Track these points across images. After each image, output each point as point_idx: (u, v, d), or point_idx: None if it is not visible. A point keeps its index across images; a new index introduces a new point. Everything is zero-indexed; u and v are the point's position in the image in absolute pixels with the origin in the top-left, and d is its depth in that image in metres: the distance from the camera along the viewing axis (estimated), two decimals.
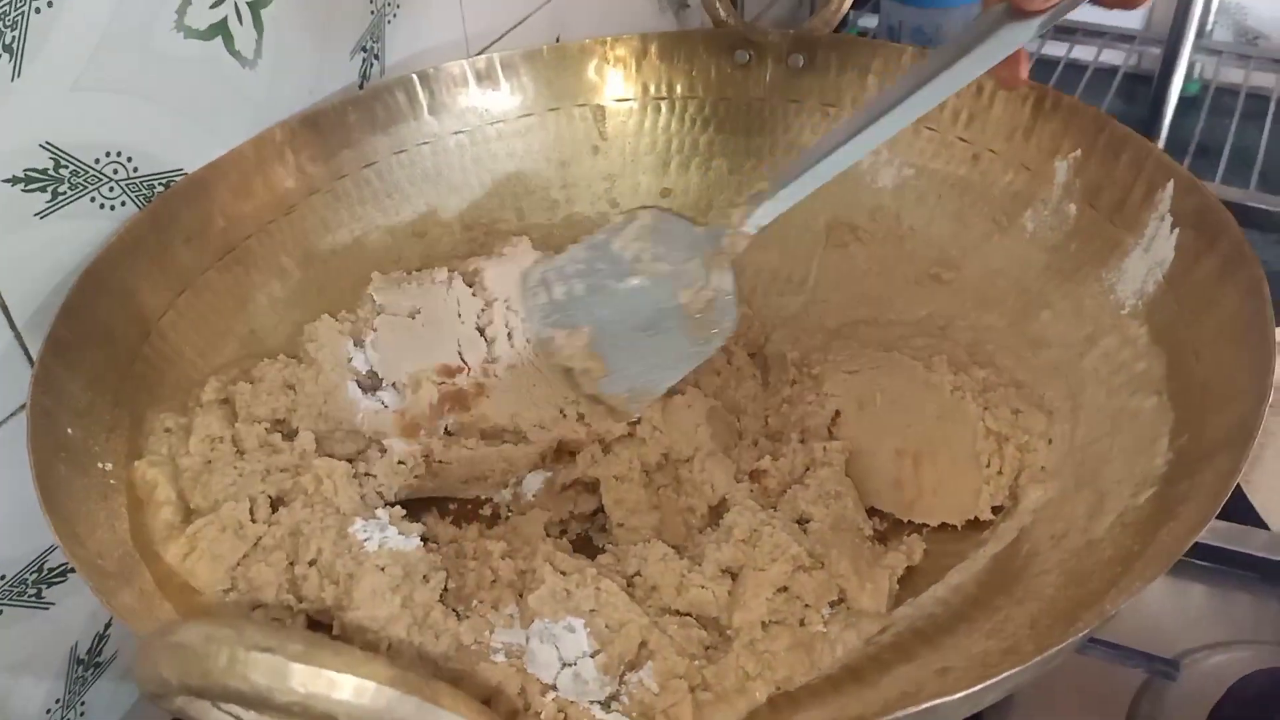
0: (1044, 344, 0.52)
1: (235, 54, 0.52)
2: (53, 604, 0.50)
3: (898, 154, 0.61)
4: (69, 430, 0.42)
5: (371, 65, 0.63)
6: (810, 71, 0.64)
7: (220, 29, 0.51)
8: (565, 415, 0.54)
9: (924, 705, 0.30)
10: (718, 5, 0.65)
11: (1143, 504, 0.40)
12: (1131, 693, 0.52)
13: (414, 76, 0.61)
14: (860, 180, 0.62)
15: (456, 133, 0.63)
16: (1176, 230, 0.48)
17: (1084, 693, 0.52)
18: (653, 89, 0.66)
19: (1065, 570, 0.41)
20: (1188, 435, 0.41)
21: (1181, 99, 0.98)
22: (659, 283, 0.53)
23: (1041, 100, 0.55)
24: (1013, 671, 0.31)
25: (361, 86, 0.62)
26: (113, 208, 0.49)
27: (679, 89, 0.66)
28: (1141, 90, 1.07)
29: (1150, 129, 0.97)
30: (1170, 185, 0.49)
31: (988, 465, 0.47)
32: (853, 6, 0.76)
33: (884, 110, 0.45)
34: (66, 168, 0.46)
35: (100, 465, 0.43)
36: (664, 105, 0.67)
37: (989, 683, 0.31)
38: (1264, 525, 0.58)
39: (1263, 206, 0.89)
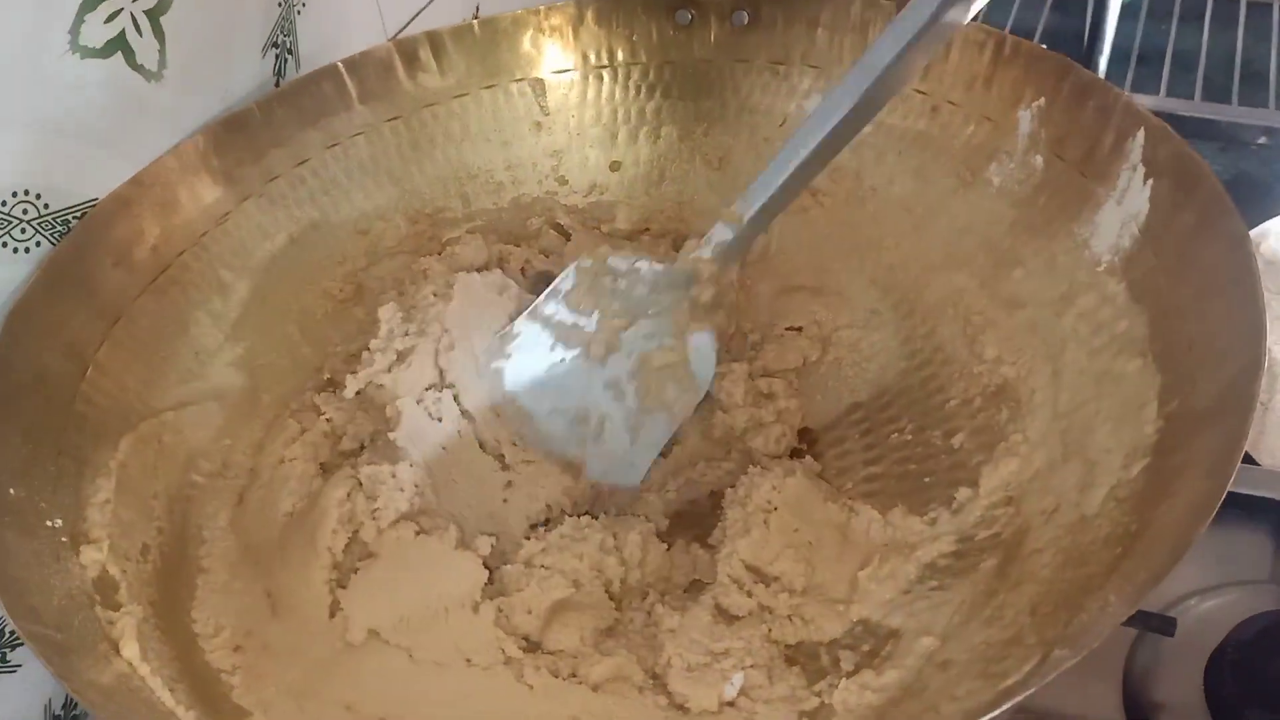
0: (1018, 303, 0.51)
1: (138, 68, 0.49)
2: (20, 665, 0.48)
3: None
4: (10, 491, 0.39)
5: (285, 61, 0.59)
6: (756, 28, 0.61)
7: (118, 44, 0.47)
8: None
9: None
10: None
11: (1136, 476, 0.39)
12: (1127, 645, 0.52)
13: (339, 65, 0.58)
14: None
15: (390, 119, 0.60)
16: (1150, 181, 0.46)
17: None
18: (593, 57, 0.63)
19: (1061, 549, 0.40)
20: (1177, 400, 0.40)
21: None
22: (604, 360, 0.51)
23: (1000, 47, 0.53)
24: (1027, 693, 0.31)
25: (278, 84, 0.58)
26: (28, 249, 0.46)
27: (620, 55, 0.63)
28: (1075, 2, 1.05)
29: (1093, 41, 0.95)
30: (1140, 134, 0.47)
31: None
32: None
33: (836, 121, 0.45)
34: None
35: (49, 523, 0.41)
36: (606, 74, 0.64)
37: (1005, 707, 0.30)
38: (1254, 462, 0.57)
39: (1209, 117, 0.89)
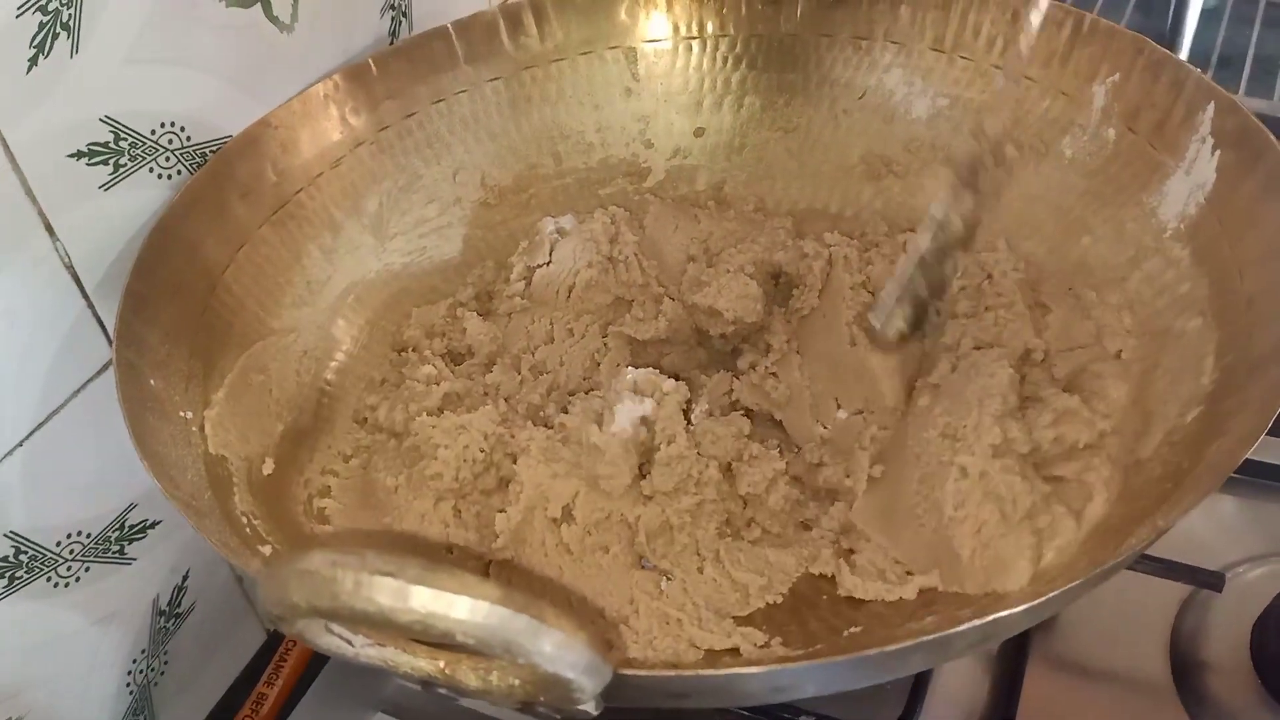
0: (1085, 269, 0.53)
1: (274, 19, 0.53)
2: (134, 559, 0.52)
3: (931, 84, 0.61)
4: (151, 382, 0.44)
5: (400, 22, 0.63)
6: (842, 4, 0.64)
7: None
8: None
9: (988, 619, 0.32)
10: None
11: (1190, 423, 0.42)
12: (1175, 607, 0.54)
13: (449, 26, 0.62)
14: (894, 112, 0.63)
15: (492, 79, 0.64)
16: (1218, 152, 0.48)
17: (1127, 608, 0.54)
18: (684, 29, 0.67)
19: (1112, 489, 0.42)
20: (1233, 354, 0.42)
21: (1202, 11, 0.97)
22: None
23: (1079, 25, 0.55)
24: (1070, 586, 0.33)
25: (391, 43, 0.63)
26: (169, 177, 0.50)
27: (710, 27, 0.67)
28: (1158, 3, 1.06)
29: (1173, 41, 0.97)
30: (1210, 107, 0.49)
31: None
32: None
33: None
34: (126, 140, 0.47)
35: (181, 414, 0.45)
36: (695, 45, 0.67)
37: (1047, 597, 0.32)
38: None
39: None
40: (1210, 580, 0.50)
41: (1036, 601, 0.32)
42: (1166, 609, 0.54)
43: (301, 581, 0.25)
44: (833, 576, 0.46)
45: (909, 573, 0.45)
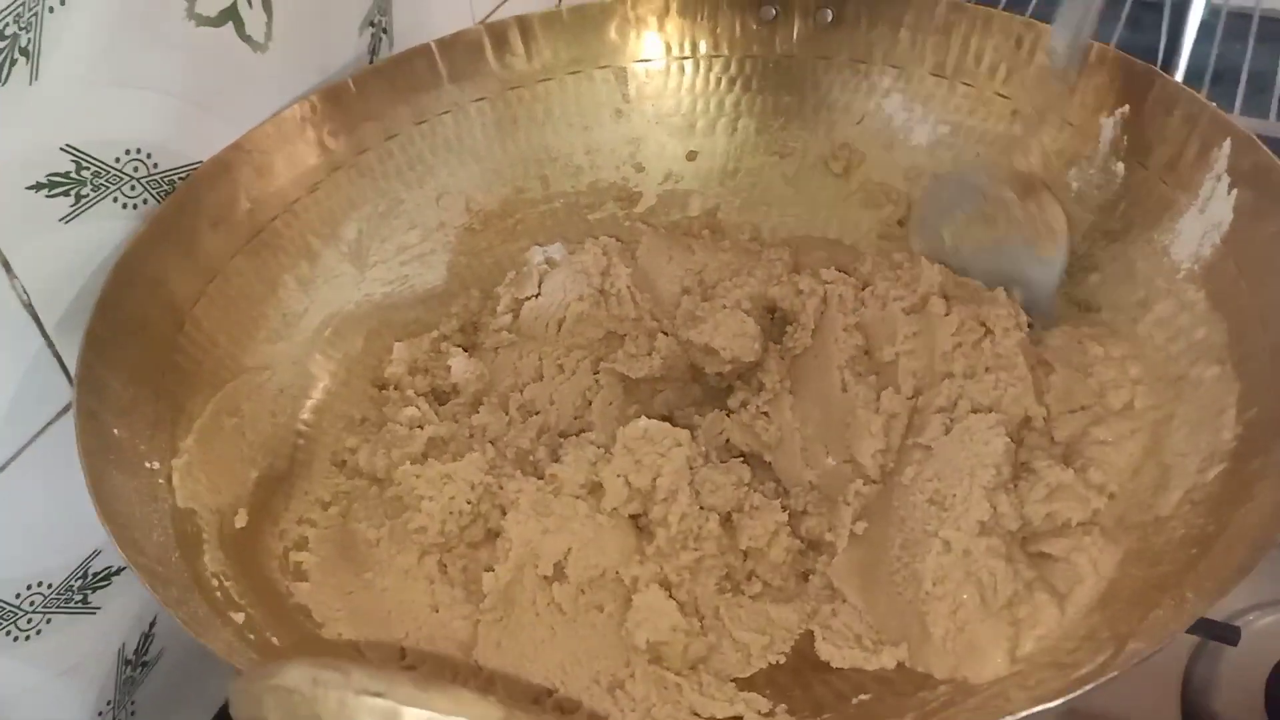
0: (1093, 308, 0.51)
1: (246, 39, 0.50)
2: (99, 608, 0.50)
3: (932, 111, 0.60)
4: (115, 431, 0.41)
5: (380, 39, 0.61)
6: (839, 26, 0.62)
7: (230, 14, 0.49)
8: None
9: (1022, 714, 0.30)
10: None
11: (1211, 481, 0.40)
12: (1186, 655, 0.52)
13: (432, 45, 0.59)
14: (894, 139, 0.61)
15: (477, 100, 0.62)
16: (1234, 191, 0.47)
17: None
18: (676, 48, 0.64)
19: (1131, 549, 0.41)
20: (1257, 408, 0.40)
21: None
22: None
23: (1086, 54, 0.54)
24: (1102, 679, 0.31)
25: (371, 61, 0.60)
26: (135, 206, 0.47)
27: (703, 48, 0.64)
28: (1149, 18, 1.05)
29: (1168, 60, 0.95)
30: (1227, 144, 0.47)
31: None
32: None
33: None
34: (88, 169, 0.44)
35: (147, 464, 0.42)
36: (688, 65, 0.65)
37: (1080, 692, 0.31)
38: None
39: None
40: (1225, 634, 0.48)
41: (1071, 695, 0.30)
42: (1177, 658, 0.53)
43: (278, 699, 0.22)
44: None
45: (881, 641, 0.43)
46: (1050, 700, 0.31)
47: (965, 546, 0.41)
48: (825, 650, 0.43)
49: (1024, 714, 0.30)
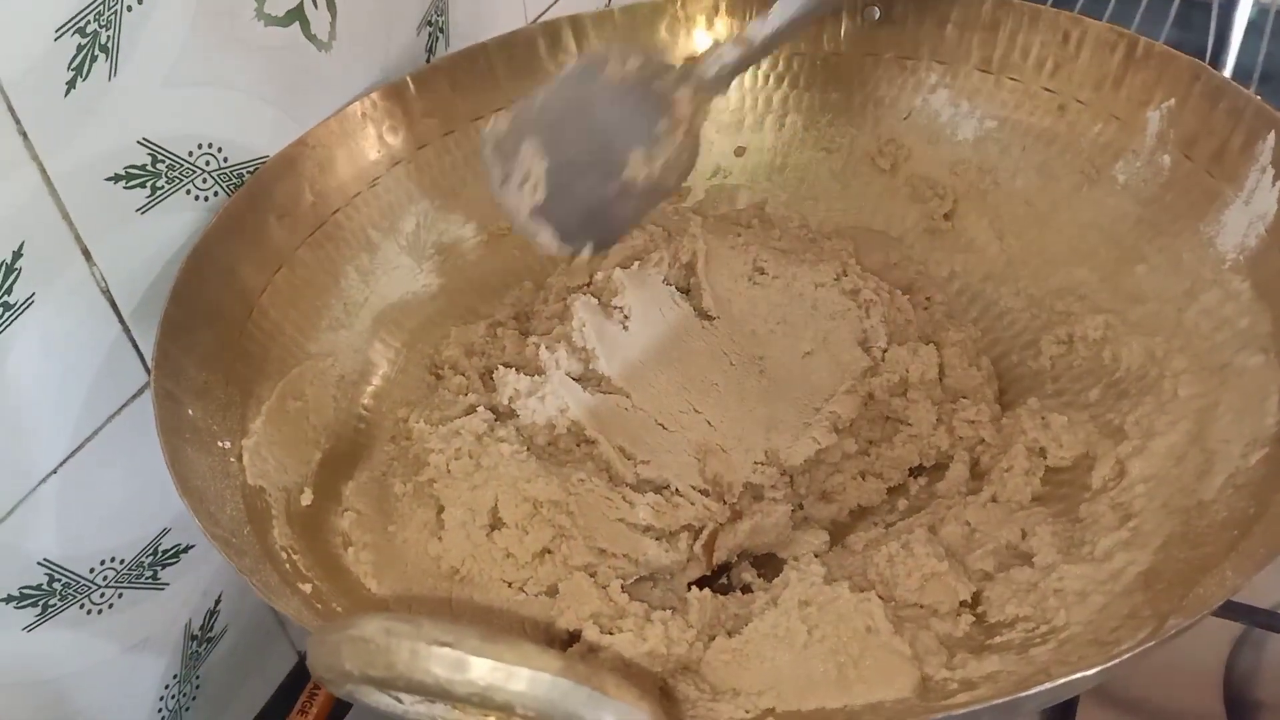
0: (1140, 299, 0.52)
1: (311, 38, 0.53)
2: (167, 584, 0.52)
3: (978, 105, 0.60)
4: (190, 411, 0.43)
5: (437, 39, 0.63)
6: (887, 24, 0.63)
7: (297, 15, 0.51)
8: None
9: (1059, 681, 0.31)
10: None
11: (1254, 465, 0.40)
12: (1229, 644, 0.52)
13: (487, 44, 0.61)
14: (940, 134, 0.62)
15: None
16: (1279, 183, 0.47)
17: (1179, 644, 0.52)
18: None
19: (1173, 532, 0.41)
20: None
21: None
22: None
23: (1132, 49, 0.54)
24: (1141, 649, 0.32)
25: (428, 60, 0.62)
26: (206, 199, 0.49)
27: None
28: (1198, 17, 1.04)
29: (1216, 58, 0.95)
30: (1271, 136, 0.48)
31: None
32: None
33: None
34: (163, 162, 0.46)
35: (220, 444, 0.44)
36: None
37: (1121, 659, 0.31)
38: None
39: None
40: (1269, 621, 0.49)
41: (1109, 664, 0.31)
42: (1219, 646, 0.53)
43: (354, 649, 0.24)
44: None
45: None
46: (1091, 668, 0.31)
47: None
48: None
49: (1061, 681, 0.31)
